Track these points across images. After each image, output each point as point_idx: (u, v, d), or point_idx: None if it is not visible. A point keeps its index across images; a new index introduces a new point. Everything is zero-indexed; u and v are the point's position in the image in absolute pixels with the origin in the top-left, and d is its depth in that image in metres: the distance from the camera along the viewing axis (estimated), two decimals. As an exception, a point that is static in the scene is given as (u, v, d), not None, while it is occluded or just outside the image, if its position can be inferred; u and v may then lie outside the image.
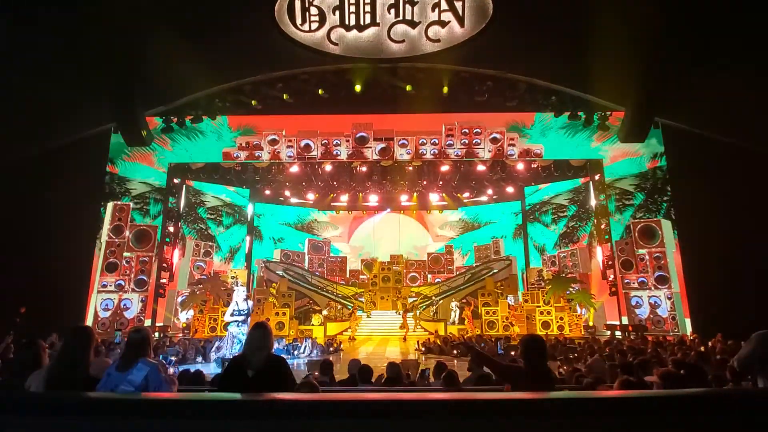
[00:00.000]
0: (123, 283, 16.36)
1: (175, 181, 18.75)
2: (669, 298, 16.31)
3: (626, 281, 16.82)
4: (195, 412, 1.25)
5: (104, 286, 16.14)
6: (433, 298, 21.45)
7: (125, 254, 16.63)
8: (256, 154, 17.69)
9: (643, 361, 5.03)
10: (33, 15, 12.02)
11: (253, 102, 16.73)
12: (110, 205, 16.87)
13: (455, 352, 13.00)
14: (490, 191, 23.90)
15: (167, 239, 17.99)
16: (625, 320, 16.58)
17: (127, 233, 16.78)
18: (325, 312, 20.48)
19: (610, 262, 17.69)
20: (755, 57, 11.51)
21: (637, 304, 16.51)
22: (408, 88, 16.16)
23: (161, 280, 17.38)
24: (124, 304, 16.20)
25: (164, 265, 17.68)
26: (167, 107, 16.65)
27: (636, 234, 17.00)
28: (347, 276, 25.39)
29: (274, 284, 20.32)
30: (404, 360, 9.97)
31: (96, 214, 16.52)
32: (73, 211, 14.85)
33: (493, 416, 1.24)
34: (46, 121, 13.40)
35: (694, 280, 15.40)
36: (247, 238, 23.40)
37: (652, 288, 16.51)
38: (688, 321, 15.59)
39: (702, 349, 8.27)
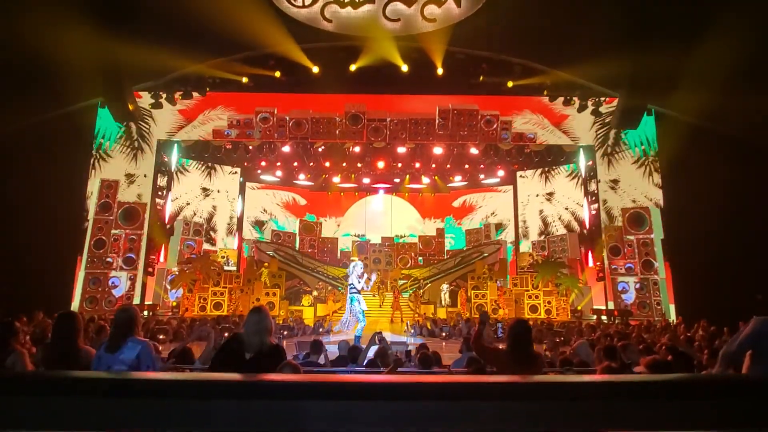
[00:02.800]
0: (111, 261, 16.25)
1: (164, 158, 18.49)
2: (655, 284, 16.62)
3: (614, 267, 17.07)
4: (187, 391, 1.25)
5: (92, 263, 16.00)
6: (421, 281, 21.61)
7: (113, 231, 16.48)
8: (247, 133, 17.47)
9: (627, 344, 5.14)
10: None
11: (243, 79, 16.44)
12: (98, 182, 16.62)
13: (444, 334, 13.18)
14: (482, 175, 23.93)
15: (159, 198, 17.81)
16: (611, 305, 16.89)
17: (114, 210, 16.60)
18: (315, 293, 20.56)
19: (598, 248, 17.92)
20: (747, 49, 11.51)
21: (624, 290, 16.80)
22: (402, 65, 15.92)
23: (150, 258, 17.28)
24: (113, 282, 16.12)
25: (153, 243, 17.56)
26: (156, 82, 16.31)
27: (625, 220, 17.19)
28: (338, 257, 25.43)
29: (265, 264, 20.30)
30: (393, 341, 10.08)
31: (83, 190, 16.28)
32: (60, 186, 14.63)
33: (462, 399, 1.26)
34: (30, 94, 13.06)
35: (679, 266, 15.68)
36: (238, 217, 23.26)
37: (639, 274, 16.79)
38: (672, 307, 15.93)
39: (688, 334, 8.45)
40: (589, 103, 16.99)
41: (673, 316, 15.44)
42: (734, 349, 3.29)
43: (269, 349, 3.00)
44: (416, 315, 17.95)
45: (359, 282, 11.17)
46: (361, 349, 5.50)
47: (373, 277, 11.45)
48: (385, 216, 26.75)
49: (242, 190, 23.76)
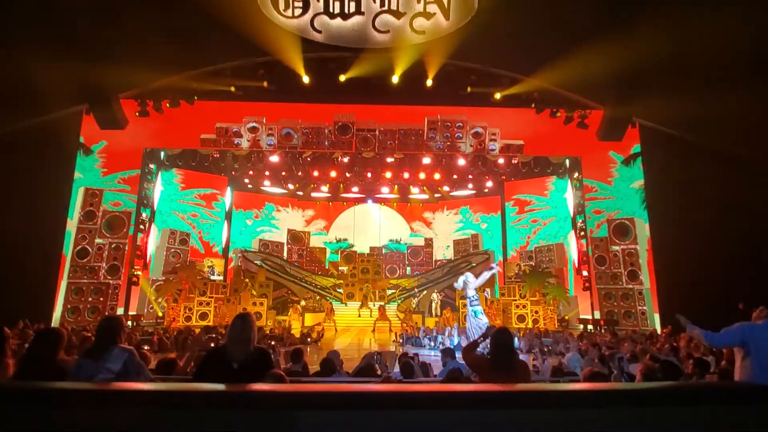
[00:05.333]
0: (95, 270, 15.94)
1: (150, 166, 18.31)
2: (640, 294, 16.82)
3: (599, 276, 17.25)
4: (177, 402, 1.24)
5: (74, 272, 15.69)
6: (415, 290, 21.61)
7: (97, 240, 16.19)
8: (235, 142, 17.39)
9: (613, 354, 5.19)
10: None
11: (232, 88, 16.41)
12: (82, 190, 16.37)
13: (432, 344, 13.15)
14: (470, 185, 24.12)
15: (141, 226, 17.60)
16: (597, 314, 17.04)
17: (99, 219, 16.33)
18: (303, 303, 20.42)
19: (584, 258, 18.12)
20: (727, 63, 11.86)
21: (609, 299, 16.96)
22: (396, 77, 16.04)
23: (134, 268, 17.01)
24: (96, 292, 15.77)
25: (138, 252, 17.30)
26: (142, 90, 16.18)
27: (610, 231, 17.44)
28: (326, 267, 25.34)
29: (246, 280, 20.13)
30: (382, 351, 10.04)
31: (66, 198, 15.99)
32: (43, 194, 14.37)
33: (452, 408, 1.27)
34: (14, 101, 12.86)
35: (665, 276, 15.89)
36: (225, 227, 23.07)
37: (624, 284, 16.98)
38: (656, 316, 16.11)
39: (675, 344, 8.55)
40: (575, 115, 17.28)
41: (658, 326, 15.61)
42: (720, 335, 3.64)
43: (255, 355, 2.93)
44: (405, 325, 17.89)
45: (473, 286, 10.88)
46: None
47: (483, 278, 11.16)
48: (373, 225, 26.78)
49: (228, 199, 23.59)
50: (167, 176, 20.15)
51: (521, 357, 8.87)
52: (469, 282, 11.11)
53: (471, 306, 11.00)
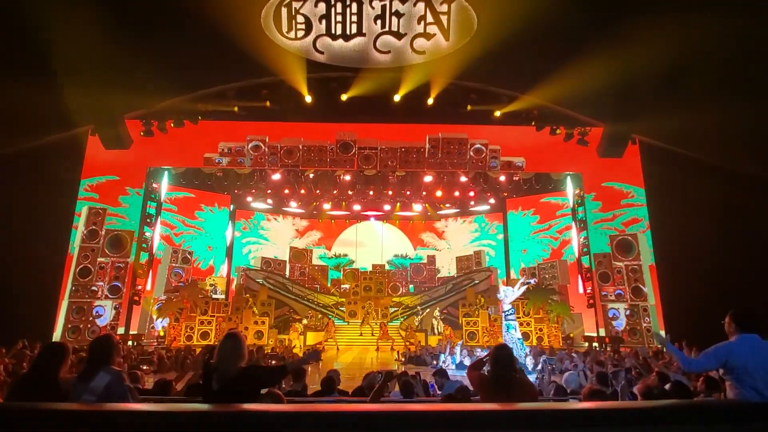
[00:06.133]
0: (96, 289, 15.91)
1: (154, 185, 18.42)
2: (645, 310, 16.62)
3: (603, 293, 17.09)
4: (154, 424, 1.22)
5: (76, 291, 15.66)
6: (418, 308, 21.42)
7: (99, 259, 16.21)
8: (239, 160, 17.53)
9: (617, 371, 5.10)
10: (8, 10, 11.76)
11: (235, 108, 16.62)
12: (85, 209, 16.46)
13: (434, 362, 12.98)
14: (472, 203, 24.11)
15: (144, 245, 17.61)
16: (602, 332, 16.82)
17: (102, 238, 16.38)
18: (305, 321, 20.26)
19: (588, 275, 17.97)
20: (725, 76, 11.95)
21: (614, 316, 16.76)
22: (397, 96, 16.23)
23: (136, 287, 16.97)
24: (97, 311, 15.73)
25: (140, 271, 17.27)
26: (148, 110, 16.40)
27: (613, 247, 17.33)
28: (328, 285, 25.22)
29: (248, 296, 20.03)
30: (383, 370, 9.89)
31: (70, 217, 16.07)
32: (47, 213, 14.45)
33: (455, 428, 1.24)
34: (20, 122, 13.05)
35: (669, 293, 15.73)
36: (228, 245, 23.06)
37: (629, 300, 16.80)
38: (662, 333, 15.89)
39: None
40: (575, 132, 17.36)
41: (664, 343, 15.38)
42: (698, 360, 3.37)
43: (244, 374, 2.87)
44: (408, 344, 17.70)
45: (510, 299, 10.87)
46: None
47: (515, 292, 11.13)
48: (375, 243, 26.72)
49: (232, 217, 23.65)
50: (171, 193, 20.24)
51: (531, 376, 8.71)
52: (507, 296, 11.04)
53: (506, 320, 10.90)
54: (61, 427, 1.18)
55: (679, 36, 11.44)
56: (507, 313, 10.94)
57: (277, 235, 25.88)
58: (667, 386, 4.53)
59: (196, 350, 12.89)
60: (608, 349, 15.02)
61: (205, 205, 21.98)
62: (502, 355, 3.22)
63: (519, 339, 10.74)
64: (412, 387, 4.79)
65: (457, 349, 12.89)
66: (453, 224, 26.67)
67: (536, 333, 17.67)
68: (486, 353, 3.76)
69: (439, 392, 5.68)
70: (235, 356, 2.88)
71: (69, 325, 15.24)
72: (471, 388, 4.14)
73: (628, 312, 16.68)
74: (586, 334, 18.07)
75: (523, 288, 11.75)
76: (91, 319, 15.51)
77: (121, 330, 15.77)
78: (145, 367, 9.79)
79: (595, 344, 16.61)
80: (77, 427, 1.19)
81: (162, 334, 17.47)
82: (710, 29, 10.95)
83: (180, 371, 10.92)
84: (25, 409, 1.25)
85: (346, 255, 26.72)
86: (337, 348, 17.74)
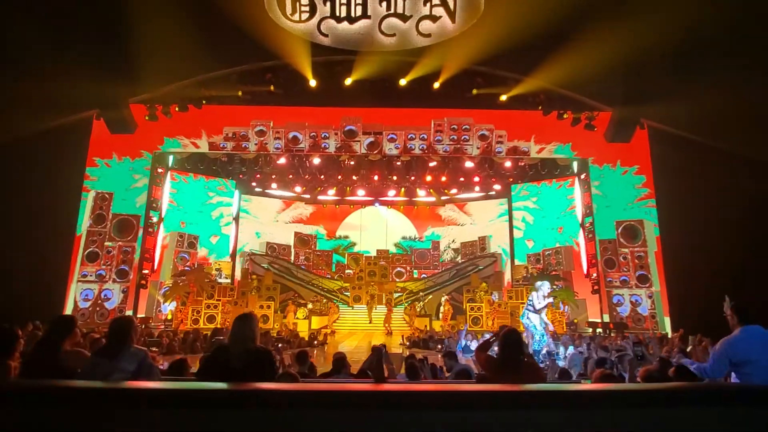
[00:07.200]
0: (104, 273, 16.12)
1: (159, 170, 18.48)
2: (649, 297, 16.66)
3: (608, 279, 17.13)
4: (183, 401, 1.27)
5: (84, 276, 15.88)
6: (421, 294, 21.56)
7: (107, 244, 16.38)
8: (243, 145, 17.52)
9: (622, 356, 5.15)
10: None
11: (239, 92, 16.56)
12: (92, 194, 16.57)
13: (439, 347, 13.13)
14: (477, 188, 24.05)
15: (150, 229, 17.75)
16: (606, 318, 16.91)
17: (108, 222, 16.52)
18: (310, 306, 20.46)
19: (593, 261, 18.00)
20: (737, 63, 11.74)
21: (619, 302, 16.84)
22: (403, 81, 16.09)
23: (143, 271, 17.16)
24: (105, 295, 15.97)
25: (146, 255, 17.45)
26: (152, 94, 16.37)
27: (619, 233, 17.31)
28: (333, 270, 25.38)
29: (254, 276, 20.21)
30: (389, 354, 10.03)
31: (77, 202, 16.20)
32: (54, 198, 14.57)
33: (462, 408, 1.28)
34: (25, 106, 13.08)
35: (675, 279, 15.74)
36: (233, 230, 23.20)
37: (634, 287, 16.84)
38: (667, 320, 15.96)
39: (688, 349, 8.44)
40: (582, 116, 17.20)
41: (668, 329, 15.47)
42: (712, 366, 3.29)
43: (256, 355, 2.98)
44: (411, 328, 17.87)
45: (542, 301, 11.17)
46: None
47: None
48: (380, 228, 26.76)
49: (237, 202, 23.72)
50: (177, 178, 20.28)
51: (540, 361, 8.82)
52: (542, 290, 11.39)
53: (525, 308, 11.33)
54: (123, 405, 1.24)
55: (690, 7, 11.10)
56: (530, 303, 11.23)
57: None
58: (670, 372, 4.59)
59: (203, 333, 13.09)
60: (612, 334, 15.10)
61: (210, 189, 22.04)
62: (510, 338, 3.28)
63: (534, 326, 10.99)
64: (417, 370, 4.86)
65: (462, 334, 13.03)
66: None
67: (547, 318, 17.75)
68: (492, 335, 3.83)
69: (447, 375, 5.77)
70: (245, 336, 2.99)
71: (78, 309, 15.49)
72: (477, 370, 4.21)
73: (633, 298, 16.73)
74: (590, 320, 18.17)
75: (548, 300, 11.91)
76: (99, 302, 15.75)
77: (129, 313, 16.00)
78: (154, 349, 9.97)
79: (599, 330, 16.71)
80: (130, 406, 1.24)
81: (169, 317, 17.72)
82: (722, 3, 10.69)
83: (189, 353, 11.12)
84: (61, 387, 1.30)
85: (347, 237, 26.76)
86: (333, 332, 17.80)
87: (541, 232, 21.81)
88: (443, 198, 25.70)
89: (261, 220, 24.84)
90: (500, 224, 24.08)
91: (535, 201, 22.42)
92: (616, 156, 17.89)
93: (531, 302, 11.46)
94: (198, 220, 21.38)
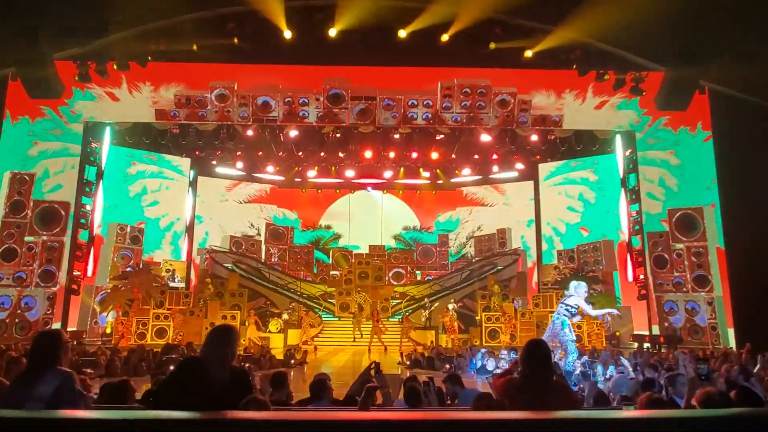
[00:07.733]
0: (24, 276, 16.05)
1: (94, 144, 18.33)
2: (709, 304, 16.80)
3: (659, 282, 17.25)
4: None
5: None
6: (427, 300, 21.61)
7: (27, 238, 16.29)
8: (200, 113, 17.41)
9: (675, 376, 5.21)
10: None
11: (194, 46, 16.41)
12: (7, 175, 16.44)
13: (447, 366, 13.21)
14: (495, 168, 24.04)
15: (82, 220, 17.66)
16: (656, 329, 17.06)
17: (29, 211, 16.42)
18: (285, 316, 20.48)
19: (640, 259, 18.11)
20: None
21: (672, 311, 16.97)
22: (403, 32, 16.00)
23: (74, 273, 17.12)
24: (26, 303, 15.92)
25: (78, 253, 17.40)
26: (84, 49, 16.18)
27: (672, 224, 17.39)
28: (314, 271, 25.42)
29: (207, 280, 20.21)
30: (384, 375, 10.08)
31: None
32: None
33: None
34: None
35: (741, 282, 15.87)
36: (187, 220, 23.14)
37: (690, 291, 16.97)
38: (731, 332, 16.12)
39: (755, 369, 8.49)
40: (628, 78, 17.19)
41: (732, 343, 15.61)
42: None
43: (234, 376, 3.01)
44: (410, 344, 17.93)
45: (584, 304, 10.91)
46: None
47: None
48: (373, 219, 26.75)
49: (193, 185, 23.63)
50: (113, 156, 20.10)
51: (573, 383, 8.88)
52: (579, 292, 10.98)
53: (561, 314, 10.86)
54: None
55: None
56: (566, 307, 10.94)
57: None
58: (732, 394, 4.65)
59: (152, 350, 13.10)
60: (663, 350, 15.26)
61: (159, 170, 21.91)
62: (536, 352, 3.28)
63: (573, 341, 10.87)
64: (419, 395, 4.88)
65: (477, 352, 13.13)
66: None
67: (575, 331, 17.90)
68: (513, 359, 3.84)
69: (448, 402, 5.78)
70: (230, 354, 3.06)
71: (-9, 320, 15.47)
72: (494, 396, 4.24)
73: (688, 305, 16.87)
74: (635, 332, 18.32)
75: (598, 312, 11.90)
76: (19, 312, 15.71)
77: (56, 326, 15.98)
78: (89, 370, 9.97)
79: (646, 344, 16.87)
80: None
81: (108, 331, 17.73)
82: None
83: (132, 376, 11.12)
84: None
85: (330, 227, 26.75)
86: (315, 348, 17.81)
87: (600, 217, 21.68)
88: (453, 181, 25.68)
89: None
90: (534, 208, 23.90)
91: (593, 172, 21.81)
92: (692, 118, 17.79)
93: (568, 306, 10.87)
94: (143, 208, 21.34)
